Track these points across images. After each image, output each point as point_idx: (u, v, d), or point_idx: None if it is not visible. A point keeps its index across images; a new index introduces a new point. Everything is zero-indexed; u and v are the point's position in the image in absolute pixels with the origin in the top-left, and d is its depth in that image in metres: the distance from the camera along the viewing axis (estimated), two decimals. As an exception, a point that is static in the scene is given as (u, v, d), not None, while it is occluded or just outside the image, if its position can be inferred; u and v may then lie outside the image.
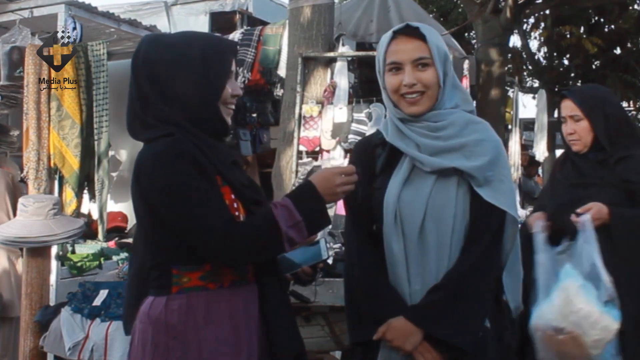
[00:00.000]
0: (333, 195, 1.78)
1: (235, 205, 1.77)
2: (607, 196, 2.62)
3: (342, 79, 5.26)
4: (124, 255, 4.45)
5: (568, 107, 2.79)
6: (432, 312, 1.82)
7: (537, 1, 9.31)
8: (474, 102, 6.07)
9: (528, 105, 10.91)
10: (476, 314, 1.84)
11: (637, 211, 2.64)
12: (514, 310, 1.98)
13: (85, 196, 4.25)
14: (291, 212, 1.71)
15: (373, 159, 1.99)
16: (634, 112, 12.56)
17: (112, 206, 5.11)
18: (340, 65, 5.28)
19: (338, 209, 4.74)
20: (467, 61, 5.86)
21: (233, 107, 1.86)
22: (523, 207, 6.61)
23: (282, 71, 5.59)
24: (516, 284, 1.98)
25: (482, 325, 1.85)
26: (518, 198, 6.77)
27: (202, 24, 6.93)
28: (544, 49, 12.99)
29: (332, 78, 5.31)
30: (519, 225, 1.99)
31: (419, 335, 1.81)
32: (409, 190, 1.88)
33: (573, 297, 2.43)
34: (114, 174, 5.31)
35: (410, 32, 1.89)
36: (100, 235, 4.23)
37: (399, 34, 1.90)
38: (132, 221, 5.35)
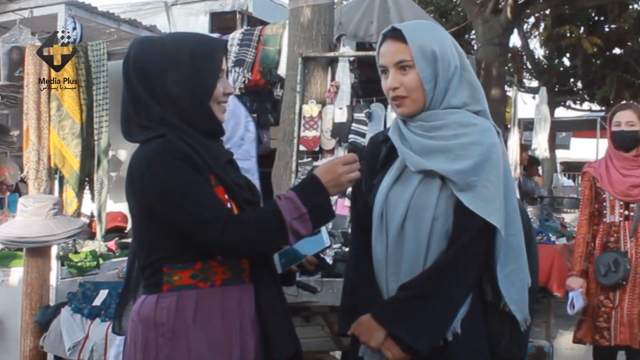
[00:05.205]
0: (338, 186, 1.77)
1: (228, 205, 1.76)
2: None
3: (344, 79, 5.27)
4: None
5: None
6: (394, 311, 1.82)
7: (538, 1, 9.31)
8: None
9: (528, 104, 10.88)
10: (439, 316, 1.79)
11: None
12: (522, 322, 1.87)
13: (87, 197, 4.25)
14: (296, 204, 1.70)
15: (378, 154, 1.99)
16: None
17: (112, 206, 5.09)
18: (342, 66, 5.29)
19: (338, 209, 4.75)
20: (467, 61, 5.86)
21: (227, 105, 1.86)
22: (523, 207, 6.59)
23: (282, 71, 5.59)
24: (520, 293, 1.86)
25: (452, 330, 1.80)
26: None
27: (202, 24, 6.95)
28: (544, 49, 12.99)
29: (332, 78, 5.32)
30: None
31: (382, 332, 1.81)
32: (396, 189, 1.87)
33: None
34: (113, 174, 5.30)
35: (395, 34, 1.87)
36: (98, 235, 4.22)
37: (386, 36, 1.90)
38: (132, 221, 5.33)
